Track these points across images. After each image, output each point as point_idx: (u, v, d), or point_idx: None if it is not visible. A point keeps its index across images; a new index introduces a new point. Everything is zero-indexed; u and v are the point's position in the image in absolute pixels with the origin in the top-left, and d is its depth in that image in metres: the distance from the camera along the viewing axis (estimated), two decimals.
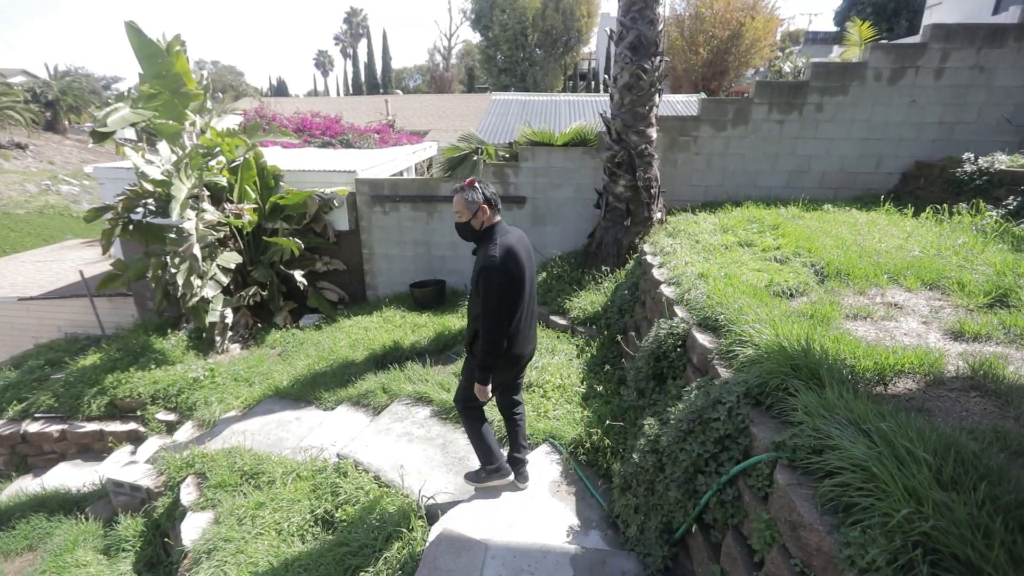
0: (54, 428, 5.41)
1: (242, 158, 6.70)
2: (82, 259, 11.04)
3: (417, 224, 7.35)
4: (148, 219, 6.35)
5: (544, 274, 6.36)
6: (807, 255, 3.92)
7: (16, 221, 22.24)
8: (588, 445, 3.15)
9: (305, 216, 7.16)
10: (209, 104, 6.70)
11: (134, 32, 5.19)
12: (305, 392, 4.81)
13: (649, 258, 4.61)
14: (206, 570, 2.84)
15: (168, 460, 4.02)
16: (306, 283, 7.07)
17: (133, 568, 3.64)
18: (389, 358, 5.32)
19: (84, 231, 19.84)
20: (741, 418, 2.02)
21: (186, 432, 4.82)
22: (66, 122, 32.13)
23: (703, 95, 12.67)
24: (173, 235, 5.71)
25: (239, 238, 6.81)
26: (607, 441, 3.07)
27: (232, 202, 6.68)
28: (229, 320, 6.43)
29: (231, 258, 6.33)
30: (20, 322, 9.00)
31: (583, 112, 13.68)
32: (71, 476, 5.06)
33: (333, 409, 4.56)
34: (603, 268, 5.78)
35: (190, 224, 5.59)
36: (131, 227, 6.36)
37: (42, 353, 7.68)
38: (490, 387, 2.58)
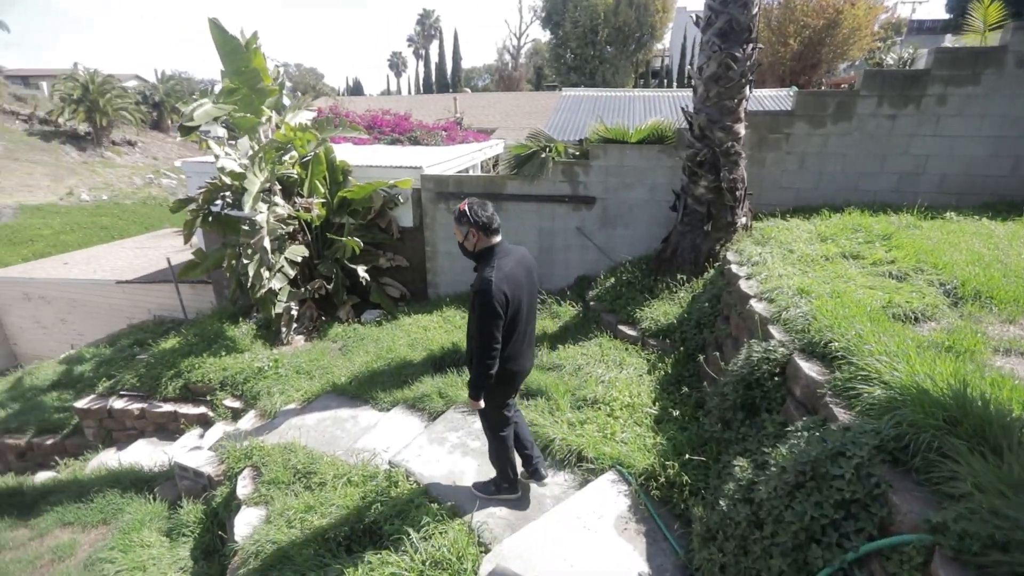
0: (135, 406, 5.70)
1: (313, 153, 6.81)
2: (173, 247, 11.85)
3: None
4: (226, 211, 6.59)
5: (612, 280, 5.97)
6: (932, 272, 3.32)
7: (123, 210, 24.55)
8: (662, 479, 2.78)
9: (370, 211, 7.19)
10: (285, 100, 6.87)
11: (216, 28, 5.37)
12: (362, 390, 4.74)
13: (734, 267, 4.14)
14: (251, 572, 2.76)
15: (229, 450, 4.05)
16: (368, 279, 7.09)
17: (191, 554, 3.67)
18: (447, 360, 5.16)
19: (178, 221, 21.56)
20: (875, 480, 1.60)
21: (248, 421, 4.89)
22: (169, 121, 35.17)
23: (795, 89, 11.65)
24: (246, 227, 5.86)
25: (307, 232, 6.93)
26: (685, 477, 2.69)
27: (302, 196, 6.81)
28: (295, 312, 6.55)
29: (298, 251, 6.44)
30: (117, 303, 9.76)
31: (659, 108, 12.99)
32: (146, 454, 5.30)
33: (388, 410, 4.45)
34: (678, 276, 5.31)
35: (261, 217, 5.71)
36: (210, 218, 6.64)
37: (133, 333, 8.25)
38: (483, 401, 2.68)
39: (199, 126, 5.60)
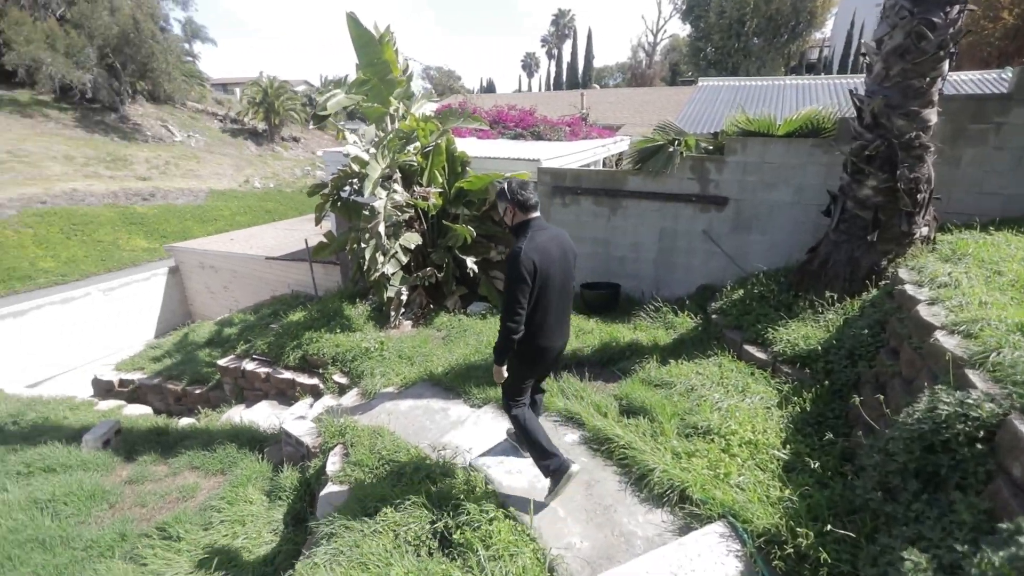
0: (262, 370, 6.27)
1: (434, 143, 6.93)
2: (315, 230, 13.15)
3: (597, 220, 6.76)
4: (353, 197, 6.98)
5: (741, 292, 5.20)
6: None
7: (284, 197, 28.09)
8: (789, 548, 2.19)
9: (485, 203, 7.15)
10: (415, 92, 7.08)
11: (353, 22, 5.65)
12: (456, 383, 4.63)
13: (910, 289, 3.27)
14: (321, 555, 2.71)
15: (326, 424, 4.18)
16: (477, 270, 7.05)
17: (283, 518, 3.83)
18: None
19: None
20: None
21: (350, 398, 5.06)
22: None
23: (1010, 70, 9.34)
24: (367, 212, 6.11)
25: (423, 220, 7.09)
26: (823, 554, 2.07)
27: (421, 185, 6.97)
28: (404, 297, 6.73)
29: (413, 239, 6.60)
30: (264, 276, 11.03)
31: (815, 97, 11.27)
32: (264, 415, 5.78)
33: (480, 407, 4.27)
34: (826, 294, 4.41)
35: (380, 203, 5.91)
36: (339, 203, 7.08)
37: (273, 304, 9.21)
38: (505, 368, 2.75)
39: (331, 115, 5.95)
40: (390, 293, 6.64)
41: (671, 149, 6.13)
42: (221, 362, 6.56)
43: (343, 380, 5.76)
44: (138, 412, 5.56)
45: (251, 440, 4.82)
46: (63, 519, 3.87)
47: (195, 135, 33.23)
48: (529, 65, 58.37)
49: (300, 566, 2.72)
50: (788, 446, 2.98)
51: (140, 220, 22.29)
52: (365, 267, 6.22)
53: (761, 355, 4.19)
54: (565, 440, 3.48)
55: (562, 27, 50.65)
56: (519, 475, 3.14)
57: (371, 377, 5.28)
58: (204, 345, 7.82)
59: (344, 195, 7.10)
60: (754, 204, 5.87)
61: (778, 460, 2.87)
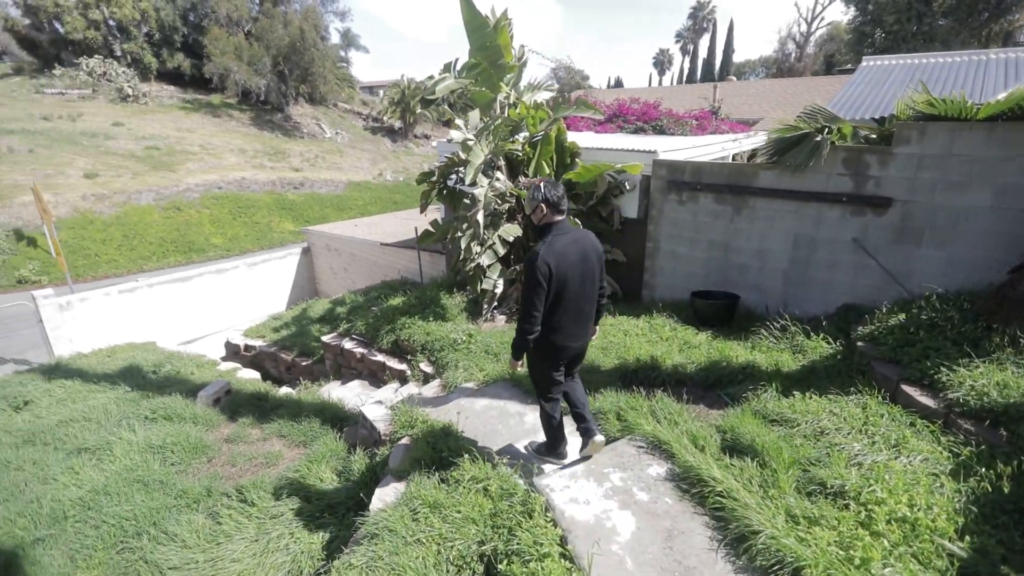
0: (358, 350, 6.45)
1: (544, 132, 6.59)
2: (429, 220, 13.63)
3: (718, 220, 5.92)
4: (458, 186, 6.92)
5: (902, 316, 4.12)
6: None
7: (411, 189, 29.92)
8: None
9: (593, 196, 6.65)
10: (526, 80, 6.81)
11: (466, 5, 5.51)
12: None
13: None
14: (359, 557, 2.51)
15: (399, 413, 4.05)
16: None
17: (346, 502, 3.75)
18: (640, 376, 4.29)
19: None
20: None
21: (431, 389, 4.94)
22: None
23: None
24: (467, 200, 5.97)
25: (525, 212, 6.80)
26: None
27: (527, 175, 6.68)
28: (499, 290, 6.50)
29: (512, 230, 6.33)
30: (378, 261, 11.62)
31: None
32: (353, 394, 5.92)
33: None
34: None
35: (480, 191, 5.72)
36: (444, 192, 7.07)
37: (380, 288, 9.61)
38: (520, 364, 2.96)
39: (438, 99, 5.89)
40: (485, 285, 6.45)
41: (818, 138, 5.09)
42: (325, 338, 6.91)
43: (428, 369, 5.68)
44: (248, 376, 6.06)
45: (333, 417, 4.91)
46: (168, 465, 4.22)
47: (341, 132, 36.87)
48: (661, 62, 55.77)
49: (338, 564, 2.55)
50: (969, 538, 2.13)
51: (290, 206, 25.23)
52: (461, 257, 6.09)
53: (927, 401, 3.20)
54: (650, 471, 2.92)
55: (700, 20, 47.54)
56: (585, 506, 2.67)
57: (454, 369, 5.11)
58: (316, 321, 8.36)
59: (451, 183, 7.07)
60: (930, 208, 4.64)
61: (951, 556, 2.05)
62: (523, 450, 3.46)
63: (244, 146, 29.27)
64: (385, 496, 3.15)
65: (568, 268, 2.67)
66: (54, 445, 4.46)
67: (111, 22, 30.74)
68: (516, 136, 6.60)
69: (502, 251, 6.29)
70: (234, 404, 5.24)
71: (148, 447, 4.35)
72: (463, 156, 6.29)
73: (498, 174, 6.09)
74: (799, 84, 23.26)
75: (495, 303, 6.56)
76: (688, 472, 2.80)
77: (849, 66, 30.98)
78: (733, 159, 9.17)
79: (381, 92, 49.23)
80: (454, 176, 6.93)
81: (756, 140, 9.63)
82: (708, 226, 6.00)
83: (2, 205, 17.72)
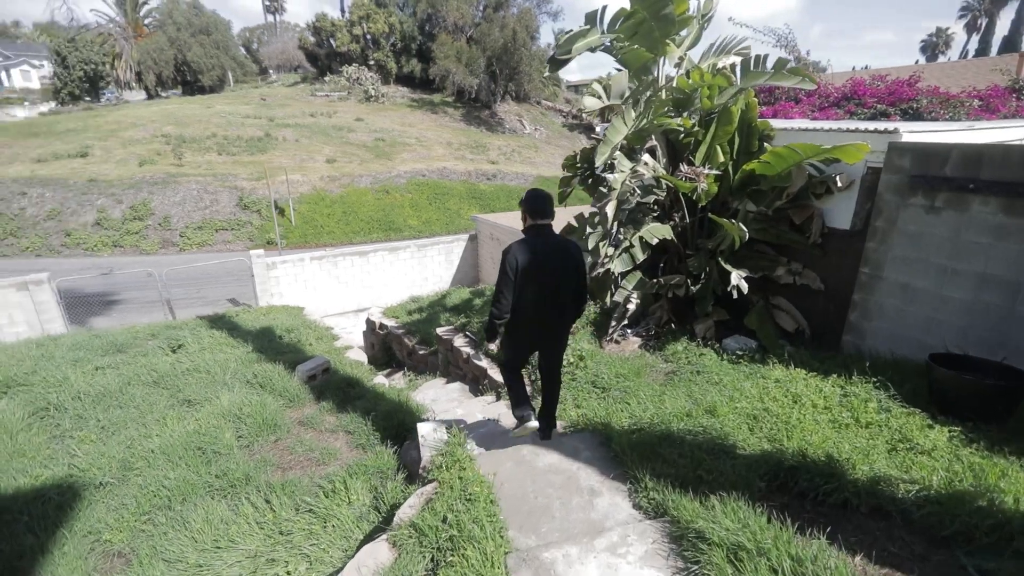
0: (466, 350, 5.81)
1: (722, 106, 4.96)
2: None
3: (1000, 243, 3.62)
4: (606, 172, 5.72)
5: None
6: None
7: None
8: None
9: (782, 195, 4.80)
10: (707, 42, 5.22)
11: None
12: (629, 456, 2.91)
13: None
14: None
15: (442, 449, 3.16)
16: (747, 290, 4.82)
17: (359, 543, 3.03)
18: (801, 482, 2.59)
19: None
20: None
21: (510, 416, 3.95)
22: None
23: None
24: (602, 188, 4.77)
25: (686, 210, 5.25)
26: None
27: (692, 163, 5.13)
28: (632, 305, 5.14)
29: (659, 231, 4.90)
30: None
31: None
32: (449, 398, 5.27)
33: (643, 519, 2.50)
34: None
35: (616, 177, 4.46)
36: (590, 179, 5.93)
37: None
38: (494, 346, 3.30)
39: (572, 58, 4.76)
40: (616, 297, 5.18)
41: None
42: (439, 331, 6.45)
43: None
44: (354, 358, 5.93)
45: (399, 426, 4.28)
46: (236, 437, 4.10)
47: (540, 128, 37.79)
48: (934, 44, 43.94)
49: None
50: None
51: (479, 195, 26.62)
52: (588, 259, 4.93)
53: None
54: None
55: None
56: None
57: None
58: (448, 310, 8.05)
59: (598, 170, 5.90)
60: None
61: None
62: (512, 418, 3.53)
63: (451, 139, 32.03)
64: (362, 566, 2.29)
65: (536, 266, 2.88)
66: (171, 391, 4.78)
67: (368, 36, 36.64)
68: (685, 112, 5.11)
69: (642, 256, 4.92)
70: (327, 384, 5.06)
71: (228, 413, 4.31)
72: (597, 131, 5.07)
73: (646, 157, 4.72)
74: None
75: (625, 320, 5.21)
76: None
77: None
78: None
79: (585, 91, 49.29)
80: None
81: None
82: (981, 250, 3.70)
83: (270, 181, 22.33)
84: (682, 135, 5.13)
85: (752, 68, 4.88)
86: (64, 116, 30.17)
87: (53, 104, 34.86)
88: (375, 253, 12.79)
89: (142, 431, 4.13)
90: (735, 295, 4.70)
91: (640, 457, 2.83)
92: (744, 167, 4.98)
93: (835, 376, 3.74)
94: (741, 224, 4.35)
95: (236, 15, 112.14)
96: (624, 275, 5.15)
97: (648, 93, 4.56)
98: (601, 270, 4.90)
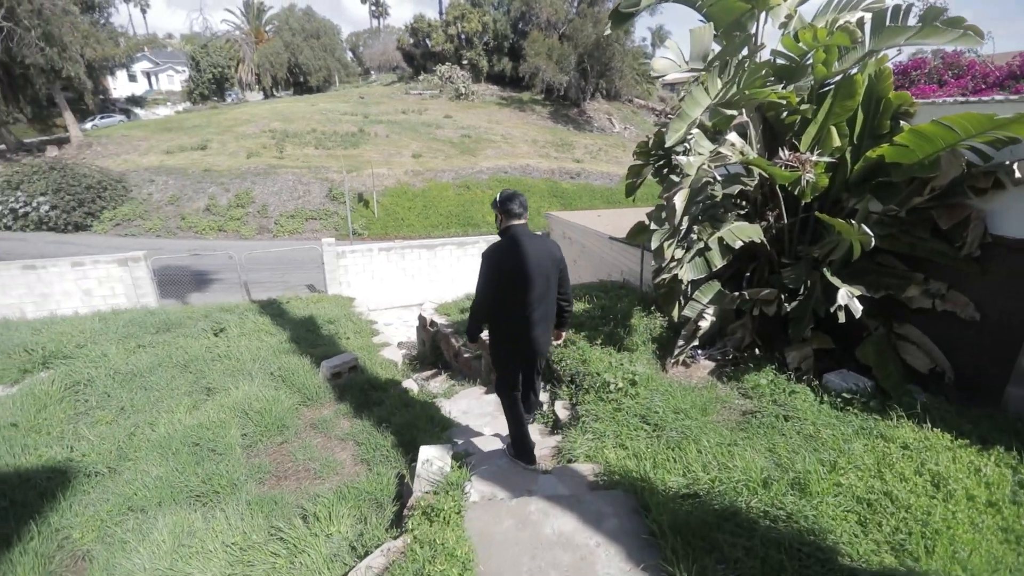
0: None
1: (843, 75, 3.85)
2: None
3: None
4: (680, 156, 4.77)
5: None
6: None
7: None
8: None
9: (924, 189, 3.60)
10: None
11: None
12: (677, 546, 2.06)
13: None
14: None
15: (425, 497, 2.52)
16: (860, 311, 3.66)
17: None
18: None
19: None
20: None
21: (547, 454, 3.23)
22: None
23: None
24: (673, 176, 3.87)
25: (783, 208, 4.17)
26: None
27: (796, 148, 4.06)
28: (706, 323, 4.16)
29: (746, 232, 3.89)
30: (605, 256, 10.08)
31: None
32: (481, 412, 4.62)
33: None
34: None
35: (690, 160, 3.54)
36: (665, 168, 5.00)
37: (589, 288, 8.07)
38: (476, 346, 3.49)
39: (638, 12, 3.86)
40: (686, 311, 4.24)
41: None
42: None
43: (563, 413, 3.94)
44: (387, 357, 5.47)
45: (413, 441, 3.69)
46: (240, 435, 3.76)
47: (630, 127, 36.17)
48: None
49: None
50: None
51: (561, 194, 25.83)
52: (652, 262, 4.05)
53: None
54: None
55: None
56: None
57: (579, 433, 3.28)
58: None
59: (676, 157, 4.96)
60: None
61: None
62: (503, 446, 3.43)
63: (537, 137, 31.51)
64: None
65: (515, 266, 2.85)
66: (195, 376, 4.61)
67: (462, 35, 37.22)
68: (788, 84, 4.05)
69: (720, 262, 3.95)
70: (351, 383, 4.64)
71: (238, 407, 4.00)
72: (677, 98, 4.14)
73: (733, 137, 3.73)
74: None
75: (696, 340, 4.24)
76: None
77: None
78: None
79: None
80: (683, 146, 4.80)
81: None
82: None
83: (358, 175, 23.19)
84: (784, 112, 4.07)
85: (888, 22, 3.71)
86: (193, 114, 33.77)
87: (187, 104, 39.23)
88: (443, 247, 12.53)
89: (150, 418, 3.94)
90: (842, 318, 3.58)
91: (687, 545, 1.99)
92: (869, 153, 3.84)
93: (999, 449, 2.58)
94: (864, 227, 3.24)
95: (347, 21, 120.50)
96: (697, 284, 4.20)
97: (741, 55, 3.59)
98: (667, 276, 3.99)
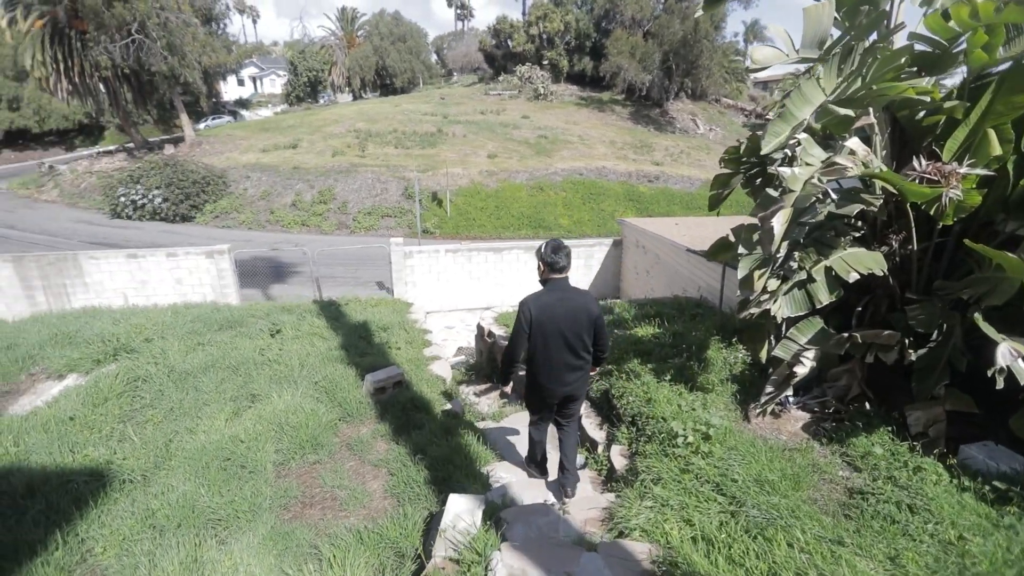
0: None
1: (1011, 63, 2.98)
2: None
3: None
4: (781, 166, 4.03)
5: None
6: None
7: None
8: None
9: None
10: None
11: None
12: None
13: None
14: None
15: (467, 547, 2.11)
16: None
17: None
18: None
19: None
20: None
21: (584, 508, 2.73)
22: None
23: None
24: (769, 189, 3.19)
25: (912, 231, 3.33)
26: None
27: (936, 156, 3.23)
28: (804, 368, 3.42)
29: (863, 261, 3.13)
30: (680, 270, 9.26)
31: None
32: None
33: None
34: None
35: (797, 172, 2.85)
36: (758, 178, 4.29)
37: (662, 305, 7.38)
38: (510, 387, 3.45)
39: None
40: (777, 351, 3.53)
41: None
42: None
43: (620, 462, 3.41)
44: (436, 372, 5.14)
45: (448, 479, 3.32)
46: (274, 452, 3.59)
47: (715, 128, 34.00)
48: None
49: None
50: None
51: (638, 198, 24.70)
52: (738, 292, 3.40)
53: None
54: None
55: None
56: None
57: (637, 497, 2.73)
58: None
59: (771, 167, 4.23)
60: None
61: None
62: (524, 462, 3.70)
63: (615, 138, 30.45)
64: None
65: (549, 319, 2.89)
66: (243, 381, 4.56)
67: (544, 35, 36.87)
68: (929, 76, 3.22)
69: (828, 297, 3.21)
70: (394, 400, 4.37)
71: (276, 419, 3.85)
72: (771, 97, 3.41)
73: (854, 143, 2.98)
74: None
75: (789, 387, 3.51)
76: None
77: None
78: None
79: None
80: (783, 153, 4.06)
81: None
82: None
83: (433, 173, 23.56)
84: (921, 111, 3.24)
85: None
86: (289, 115, 36.16)
87: (284, 105, 42.15)
88: (510, 251, 12.20)
89: (192, 424, 3.89)
90: (1000, 383, 2.73)
91: None
92: None
93: None
94: None
95: (434, 24, 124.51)
96: (793, 322, 3.47)
97: (870, 40, 2.84)
98: (755, 310, 3.32)
